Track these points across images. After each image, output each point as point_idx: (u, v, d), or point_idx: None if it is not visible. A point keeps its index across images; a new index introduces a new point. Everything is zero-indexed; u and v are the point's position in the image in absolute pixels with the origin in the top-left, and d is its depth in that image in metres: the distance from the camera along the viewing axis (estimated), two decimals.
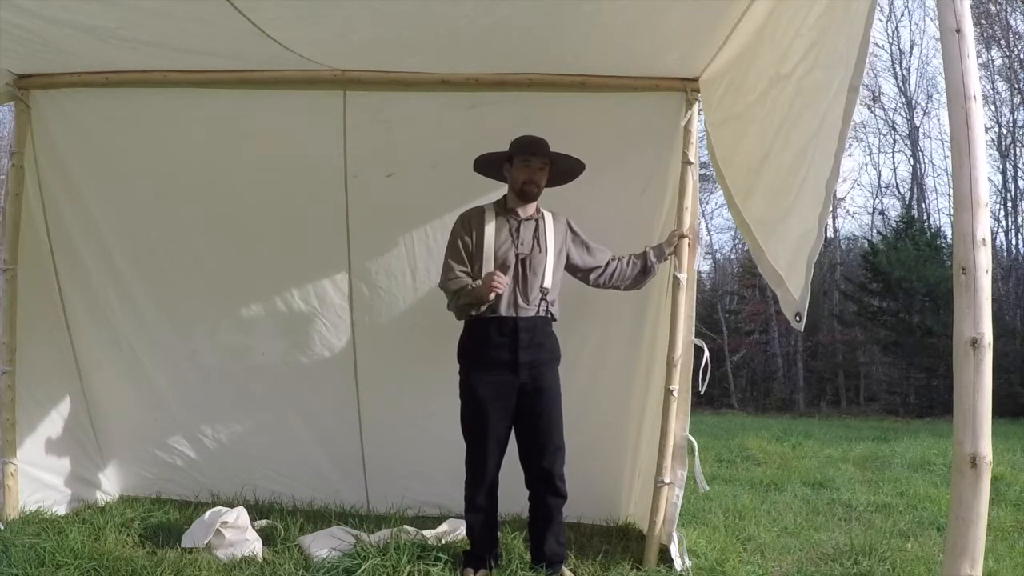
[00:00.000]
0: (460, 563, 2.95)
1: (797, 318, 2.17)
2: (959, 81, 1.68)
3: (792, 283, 2.28)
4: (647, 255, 3.16)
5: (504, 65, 3.27)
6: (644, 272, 3.17)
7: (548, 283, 2.95)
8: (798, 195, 2.27)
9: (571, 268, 3.10)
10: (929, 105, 21.30)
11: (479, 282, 2.85)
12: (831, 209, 2.44)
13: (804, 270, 2.15)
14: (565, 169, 3.07)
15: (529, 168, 2.93)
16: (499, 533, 3.08)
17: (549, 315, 2.96)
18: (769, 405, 17.63)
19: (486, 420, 2.86)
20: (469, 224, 2.96)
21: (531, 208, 3.00)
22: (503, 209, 2.99)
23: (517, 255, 2.91)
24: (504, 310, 2.86)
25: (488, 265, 2.88)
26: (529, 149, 2.93)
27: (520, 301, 2.88)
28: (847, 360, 18.33)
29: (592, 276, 3.14)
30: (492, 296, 2.80)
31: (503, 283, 2.78)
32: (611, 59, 3.18)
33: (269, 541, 3.23)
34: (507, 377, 2.86)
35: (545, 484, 2.92)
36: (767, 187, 2.61)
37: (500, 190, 3.11)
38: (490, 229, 2.92)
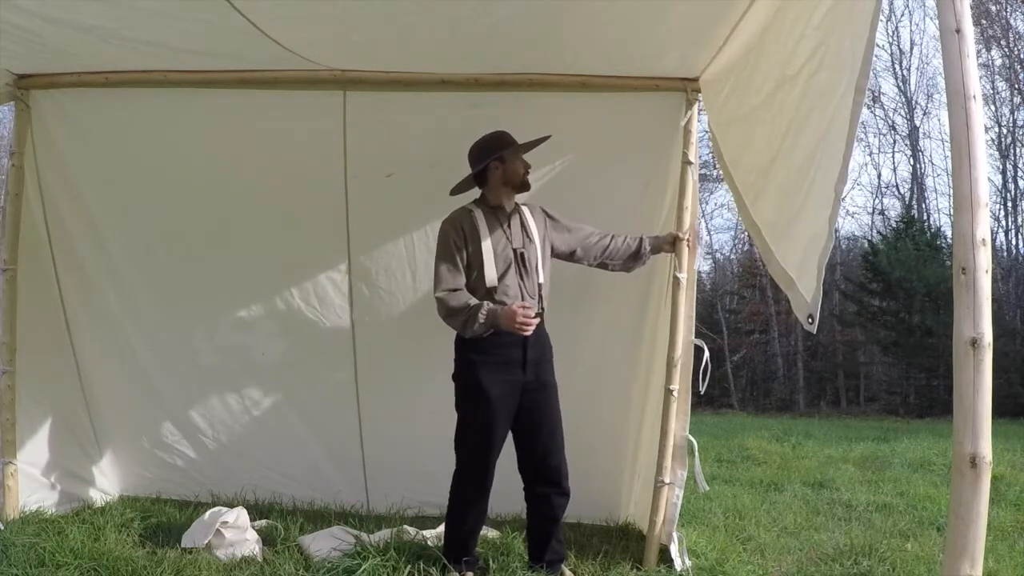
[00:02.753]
0: (451, 567, 2.87)
1: (810, 320, 2.17)
2: (959, 81, 1.68)
3: (803, 285, 2.27)
4: (643, 241, 3.14)
5: (504, 65, 3.27)
6: (636, 256, 3.15)
7: (543, 277, 2.94)
8: (807, 197, 2.26)
9: (558, 255, 3.07)
10: (929, 105, 21.35)
11: (490, 306, 2.75)
12: (840, 210, 2.42)
13: (815, 272, 2.15)
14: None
15: (521, 160, 2.93)
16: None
17: (543, 309, 2.95)
18: (769, 405, 17.64)
19: (496, 421, 2.80)
20: (461, 227, 2.87)
21: (512, 202, 2.98)
22: (488, 207, 2.94)
23: (515, 251, 2.88)
24: None
25: (490, 268, 2.82)
26: (510, 142, 2.92)
27: (526, 297, 2.86)
28: (847, 360, 18.33)
29: (578, 253, 3.10)
30: (519, 332, 2.73)
31: (534, 323, 2.74)
32: (611, 59, 3.18)
33: (269, 541, 3.23)
34: (516, 375, 2.82)
35: (553, 485, 2.88)
36: (777, 189, 2.60)
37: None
38: (484, 229, 2.86)
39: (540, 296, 2.93)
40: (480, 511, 2.91)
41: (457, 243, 2.86)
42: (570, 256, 3.11)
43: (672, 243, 3.18)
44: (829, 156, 2.08)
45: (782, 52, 2.44)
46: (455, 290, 2.82)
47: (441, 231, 2.93)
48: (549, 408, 2.89)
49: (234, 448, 3.94)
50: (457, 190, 3.04)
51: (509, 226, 2.92)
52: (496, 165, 2.93)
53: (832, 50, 2.13)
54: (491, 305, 2.77)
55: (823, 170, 2.13)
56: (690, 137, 3.32)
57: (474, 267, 2.86)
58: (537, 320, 2.78)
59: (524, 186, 2.94)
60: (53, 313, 3.75)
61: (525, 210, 3.00)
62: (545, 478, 2.89)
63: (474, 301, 2.79)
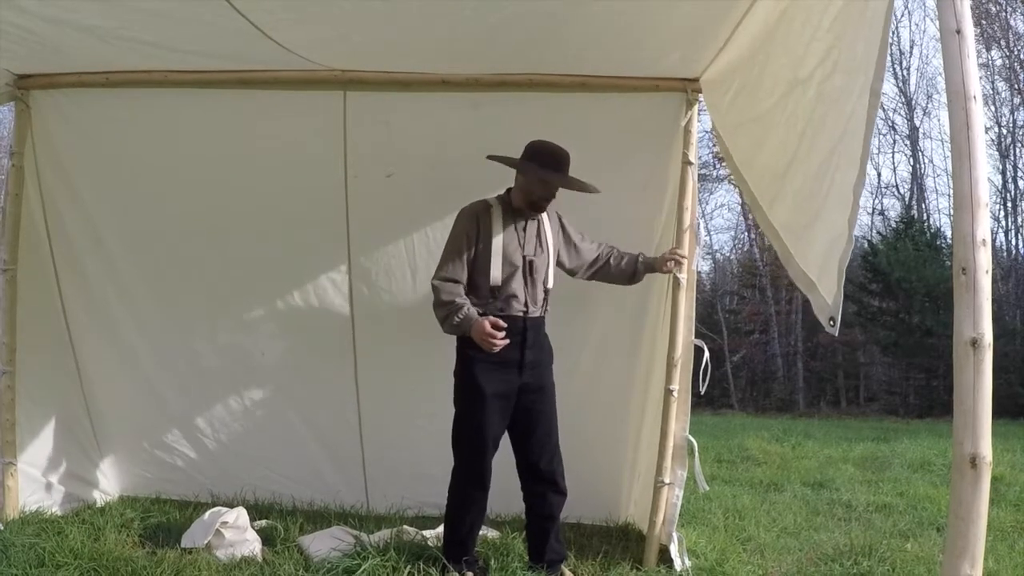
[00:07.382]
0: (451, 566, 2.87)
1: (831, 322, 2.18)
2: (959, 81, 1.68)
3: (824, 287, 2.28)
4: (637, 266, 3.14)
5: (505, 65, 3.27)
6: (630, 279, 3.18)
7: (550, 284, 2.96)
8: (826, 200, 2.25)
9: (558, 264, 3.09)
10: (929, 105, 21.32)
11: (468, 312, 2.77)
12: (858, 212, 2.43)
13: (836, 274, 2.16)
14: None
15: (547, 185, 2.87)
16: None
17: (545, 314, 2.97)
18: (769, 405, 17.61)
19: (491, 419, 2.82)
20: (476, 221, 2.87)
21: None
22: (509, 207, 2.93)
23: (524, 256, 2.88)
24: (515, 310, 2.85)
25: (495, 267, 2.83)
26: (554, 166, 2.85)
27: (528, 302, 2.88)
28: (847, 360, 18.32)
29: (577, 275, 3.16)
30: (485, 347, 2.75)
31: (500, 344, 2.73)
32: (612, 59, 3.18)
33: (269, 541, 3.23)
34: (512, 376, 2.84)
35: (549, 484, 2.91)
36: (795, 192, 2.58)
37: (501, 185, 3.08)
38: (499, 228, 2.86)
39: (545, 301, 2.95)
40: (479, 510, 2.92)
41: (469, 235, 2.86)
42: (570, 272, 3.14)
43: (666, 264, 3.13)
44: (846, 159, 2.07)
45: (792, 55, 2.43)
46: (451, 281, 2.83)
47: (457, 220, 2.93)
48: (545, 410, 2.91)
49: (234, 448, 3.94)
50: (496, 159, 2.96)
51: (524, 231, 2.92)
52: (521, 173, 2.92)
53: (845, 53, 2.12)
54: (470, 311, 2.78)
55: (841, 172, 2.12)
56: (690, 137, 3.32)
57: (480, 262, 2.86)
58: (506, 342, 2.76)
59: (533, 207, 2.90)
60: (53, 313, 3.75)
61: (544, 218, 2.99)
62: (541, 478, 2.91)
63: (461, 299, 2.80)
